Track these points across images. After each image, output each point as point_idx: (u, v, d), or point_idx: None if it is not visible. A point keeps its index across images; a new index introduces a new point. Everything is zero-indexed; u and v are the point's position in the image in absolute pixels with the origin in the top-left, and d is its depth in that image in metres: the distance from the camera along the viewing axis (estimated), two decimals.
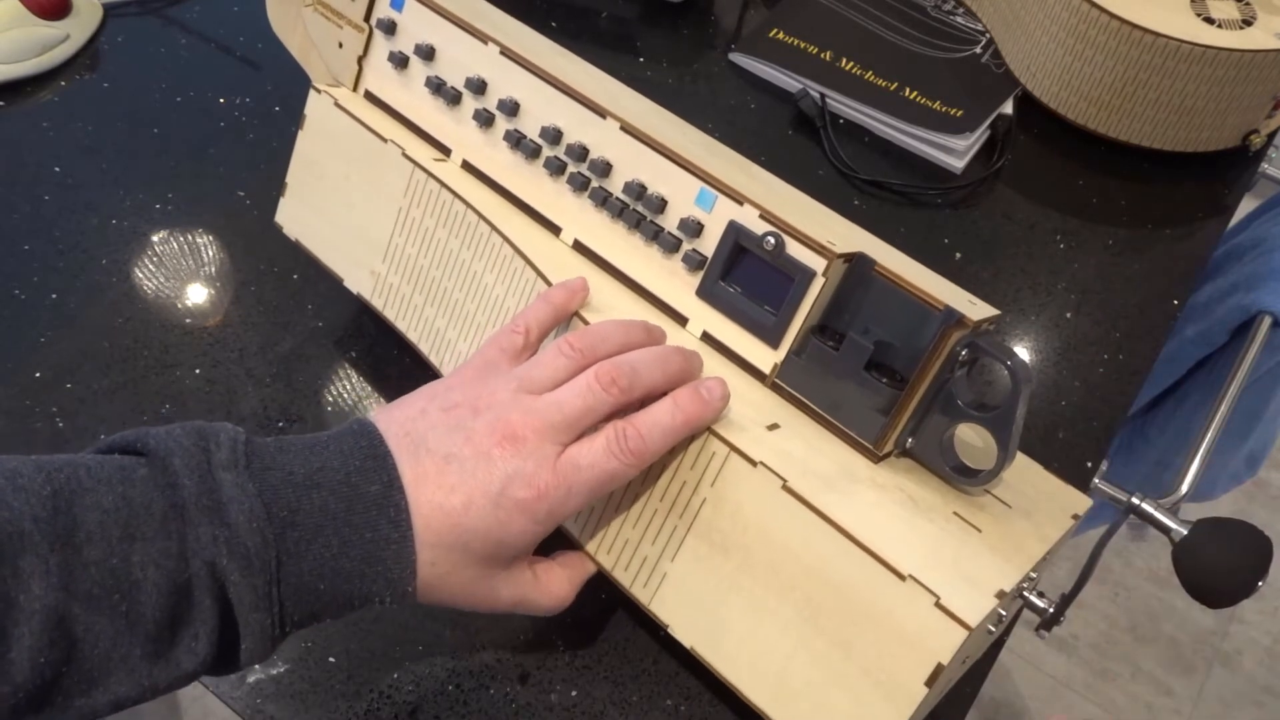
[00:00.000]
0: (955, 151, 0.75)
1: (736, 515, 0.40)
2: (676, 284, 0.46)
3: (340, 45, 0.54)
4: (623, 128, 0.46)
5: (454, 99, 0.51)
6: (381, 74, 0.53)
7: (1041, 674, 1.47)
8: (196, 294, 0.61)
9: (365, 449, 0.37)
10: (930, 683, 0.36)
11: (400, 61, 0.52)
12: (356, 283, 0.54)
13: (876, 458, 0.42)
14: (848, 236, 0.44)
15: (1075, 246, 0.72)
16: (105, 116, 0.70)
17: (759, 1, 0.88)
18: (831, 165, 0.74)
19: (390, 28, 0.52)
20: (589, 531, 0.44)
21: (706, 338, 0.45)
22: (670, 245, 0.45)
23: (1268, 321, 0.75)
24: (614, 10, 0.84)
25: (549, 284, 0.45)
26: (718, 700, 0.47)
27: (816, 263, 0.41)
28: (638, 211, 0.46)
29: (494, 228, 0.47)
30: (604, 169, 0.47)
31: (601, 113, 0.46)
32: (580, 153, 0.47)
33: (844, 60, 0.81)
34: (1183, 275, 0.71)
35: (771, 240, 0.42)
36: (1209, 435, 0.67)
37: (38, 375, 0.56)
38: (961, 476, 0.42)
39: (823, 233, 0.42)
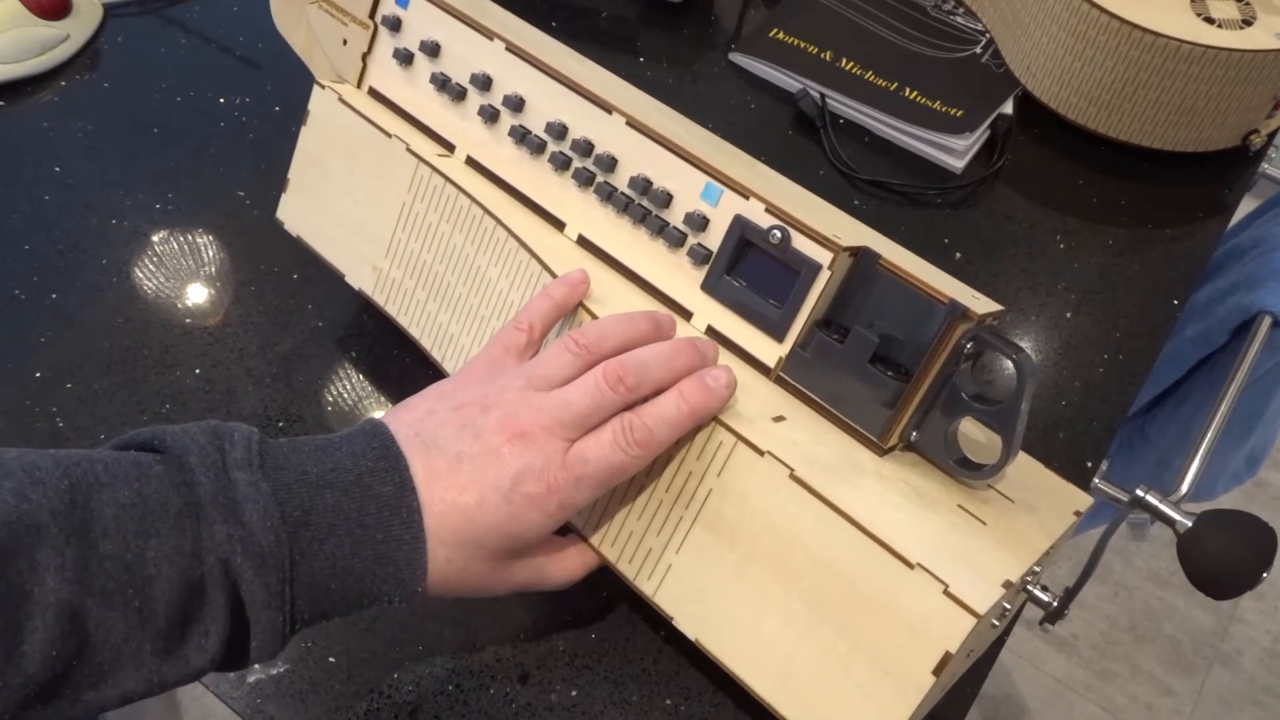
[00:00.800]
0: (955, 151, 0.75)
1: (743, 505, 0.40)
2: (681, 278, 0.46)
3: (345, 42, 0.54)
4: (629, 123, 0.46)
5: (459, 95, 0.51)
6: (386, 70, 0.53)
7: (1042, 673, 1.47)
8: (196, 294, 0.61)
9: (378, 449, 0.37)
10: (938, 671, 0.36)
11: (405, 58, 0.52)
12: (358, 279, 0.54)
13: (881, 451, 0.42)
14: (852, 231, 0.44)
15: (1075, 246, 0.72)
16: (105, 116, 0.70)
17: (759, 1, 0.88)
18: (831, 165, 0.74)
19: (395, 24, 0.52)
20: (592, 525, 0.44)
21: (711, 331, 0.45)
22: (675, 239, 0.45)
23: (1268, 321, 0.75)
24: (614, 10, 0.84)
25: (554, 276, 0.45)
26: (718, 699, 0.47)
27: (822, 256, 0.41)
28: (643, 206, 0.46)
29: (499, 222, 0.47)
30: (609, 164, 0.47)
31: (607, 108, 0.46)
32: (585, 148, 0.47)
33: (844, 60, 0.81)
34: (1183, 275, 0.71)
35: (777, 234, 0.42)
36: (1209, 435, 0.67)
37: (38, 375, 0.56)
38: (966, 470, 0.42)
39: (828, 227, 0.42)
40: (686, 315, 0.46)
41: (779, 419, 0.41)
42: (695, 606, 0.42)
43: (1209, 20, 0.72)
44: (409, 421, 0.39)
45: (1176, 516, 0.44)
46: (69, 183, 0.66)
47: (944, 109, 0.77)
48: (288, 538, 0.34)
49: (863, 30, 0.84)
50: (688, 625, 0.42)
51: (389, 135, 0.51)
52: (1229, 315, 0.78)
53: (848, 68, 0.80)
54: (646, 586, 0.43)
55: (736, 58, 0.81)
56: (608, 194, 0.47)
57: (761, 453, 0.39)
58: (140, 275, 0.61)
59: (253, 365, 0.57)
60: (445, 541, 0.37)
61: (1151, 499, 0.44)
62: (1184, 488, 0.64)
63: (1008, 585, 0.37)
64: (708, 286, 0.45)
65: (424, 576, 0.37)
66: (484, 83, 0.50)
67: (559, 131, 0.48)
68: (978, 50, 0.83)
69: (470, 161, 0.51)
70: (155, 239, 0.63)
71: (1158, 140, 0.76)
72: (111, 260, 0.62)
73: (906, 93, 0.79)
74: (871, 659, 0.37)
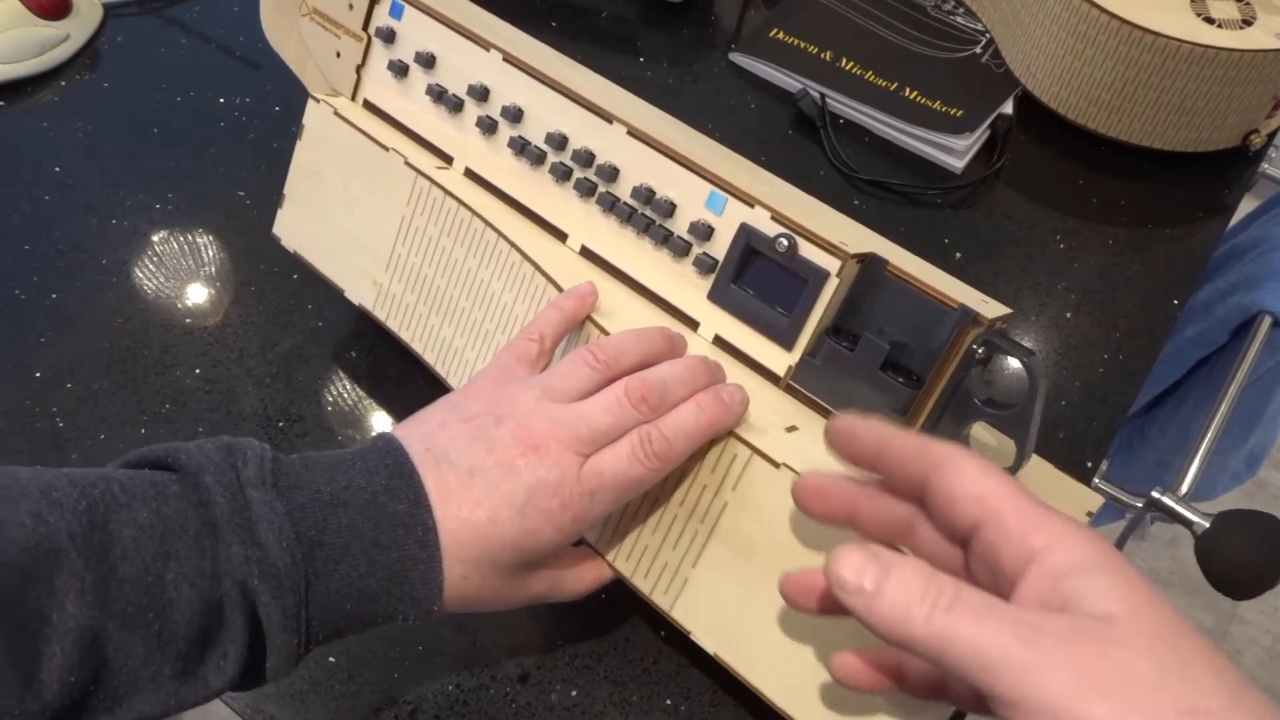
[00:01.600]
0: (955, 151, 0.75)
1: (760, 518, 0.39)
2: (687, 288, 0.46)
3: (338, 55, 0.54)
4: (629, 132, 0.46)
5: (456, 106, 0.50)
6: (381, 83, 0.53)
7: None
8: (196, 294, 0.61)
9: (391, 466, 0.37)
10: None
11: (400, 70, 0.51)
12: (358, 294, 0.53)
13: None
14: (858, 238, 0.44)
15: (1075, 246, 0.72)
16: (105, 116, 0.70)
17: (759, 1, 0.88)
18: (831, 165, 0.74)
19: (389, 36, 0.51)
20: (606, 539, 0.43)
21: (719, 341, 0.45)
22: (680, 249, 0.45)
23: (1268, 321, 0.75)
24: (614, 10, 0.84)
25: (559, 289, 0.44)
26: (718, 699, 0.47)
27: (830, 263, 0.41)
28: (646, 216, 0.46)
29: (500, 234, 0.47)
30: (611, 174, 0.46)
31: (608, 117, 0.46)
32: (586, 158, 0.47)
33: (844, 60, 0.81)
34: (1183, 275, 0.71)
35: (784, 242, 0.42)
36: (1209, 435, 0.67)
37: (38, 375, 0.56)
38: None
39: (834, 234, 0.42)
40: (693, 325, 0.45)
41: (792, 429, 0.41)
42: (713, 620, 0.41)
43: (1209, 20, 0.72)
44: (420, 435, 0.38)
45: (1194, 518, 0.44)
46: (69, 183, 0.66)
47: (944, 109, 0.77)
48: (303, 558, 0.34)
49: (863, 30, 0.84)
50: (706, 640, 0.41)
51: (386, 149, 0.50)
52: (1229, 315, 0.78)
53: (848, 68, 0.80)
54: (663, 601, 0.42)
55: (736, 58, 0.81)
56: (610, 204, 0.47)
57: (777, 464, 0.39)
58: (140, 275, 0.61)
59: (253, 365, 0.57)
60: (460, 559, 0.37)
61: (1168, 500, 0.43)
62: (1184, 488, 0.64)
63: None
64: (714, 296, 0.45)
65: (439, 595, 0.36)
66: (481, 93, 0.49)
67: (559, 142, 0.47)
68: (978, 50, 0.83)
69: (469, 173, 0.51)
70: (155, 239, 0.63)
71: (1158, 140, 0.76)
72: (111, 260, 0.62)
73: (906, 93, 0.79)
74: None
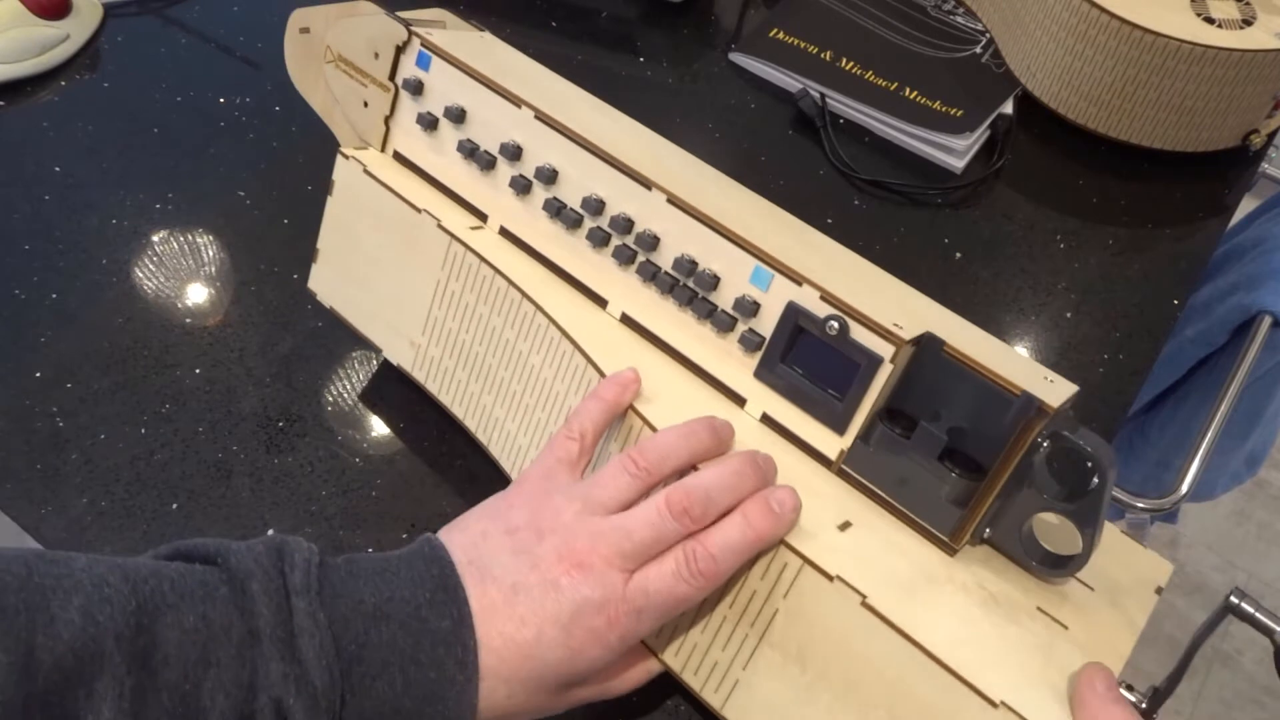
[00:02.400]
0: (955, 151, 0.75)
1: (812, 629, 0.38)
2: (732, 364, 0.44)
3: (365, 104, 0.52)
4: (669, 200, 0.44)
5: (488, 164, 0.48)
6: (410, 135, 0.51)
7: None
8: (196, 294, 0.61)
9: (436, 578, 0.36)
10: None
11: (429, 123, 0.50)
12: (396, 354, 0.52)
13: (952, 551, 0.40)
14: (912, 310, 0.42)
15: (1075, 246, 0.72)
16: (105, 116, 0.70)
17: (759, 1, 0.88)
18: (831, 165, 0.74)
19: (417, 88, 0.50)
20: (656, 632, 0.42)
21: (767, 420, 0.43)
22: (725, 324, 0.43)
23: (1268, 321, 0.75)
24: (614, 10, 0.84)
25: (599, 370, 0.43)
26: None
27: (884, 349, 0.39)
28: (689, 288, 0.44)
29: (538, 307, 0.45)
30: (651, 242, 0.45)
31: (647, 184, 0.44)
32: (625, 225, 0.45)
33: (844, 60, 0.81)
34: (1183, 275, 0.71)
35: (835, 325, 0.40)
36: (1209, 435, 0.67)
37: (38, 375, 0.56)
38: (1047, 569, 0.40)
39: (887, 311, 0.40)
40: (740, 402, 0.44)
41: (845, 525, 0.39)
42: None
43: (1209, 20, 0.72)
44: (463, 545, 0.38)
45: (1276, 626, 0.42)
46: (69, 183, 0.66)
47: (944, 109, 0.77)
48: (341, 675, 0.34)
49: (863, 30, 0.84)
50: None
51: (419, 210, 0.48)
52: (1229, 315, 0.78)
53: (848, 68, 0.80)
54: (714, 699, 0.41)
55: (736, 58, 0.81)
56: (651, 274, 0.45)
57: (831, 577, 0.37)
58: (140, 275, 0.61)
59: (253, 365, 0.57)
60: (504, 677, 0.36)
61: (1247, 607, 0.42)
62: (1184, 488, 0.64)
63: None
64: (761, 374, 0.43)
65: (473, 714, 0.36)
66: (514, 152, 0.47)
67: (596, 207, 0.46)
68: (978, 50, 0.83)
69: (504, 233, 0.49)
70: (155, 239, 0.63)
71: (1158, 140, 0.76)
72: (111, 260, 0.62)
73: (906, 93, 0.79)
74: None
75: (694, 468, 0.40)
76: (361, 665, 0.34)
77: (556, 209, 0.47)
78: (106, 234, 0.63)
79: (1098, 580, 0.41)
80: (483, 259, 0.47)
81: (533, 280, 0.47)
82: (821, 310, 0.41)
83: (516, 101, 0.47)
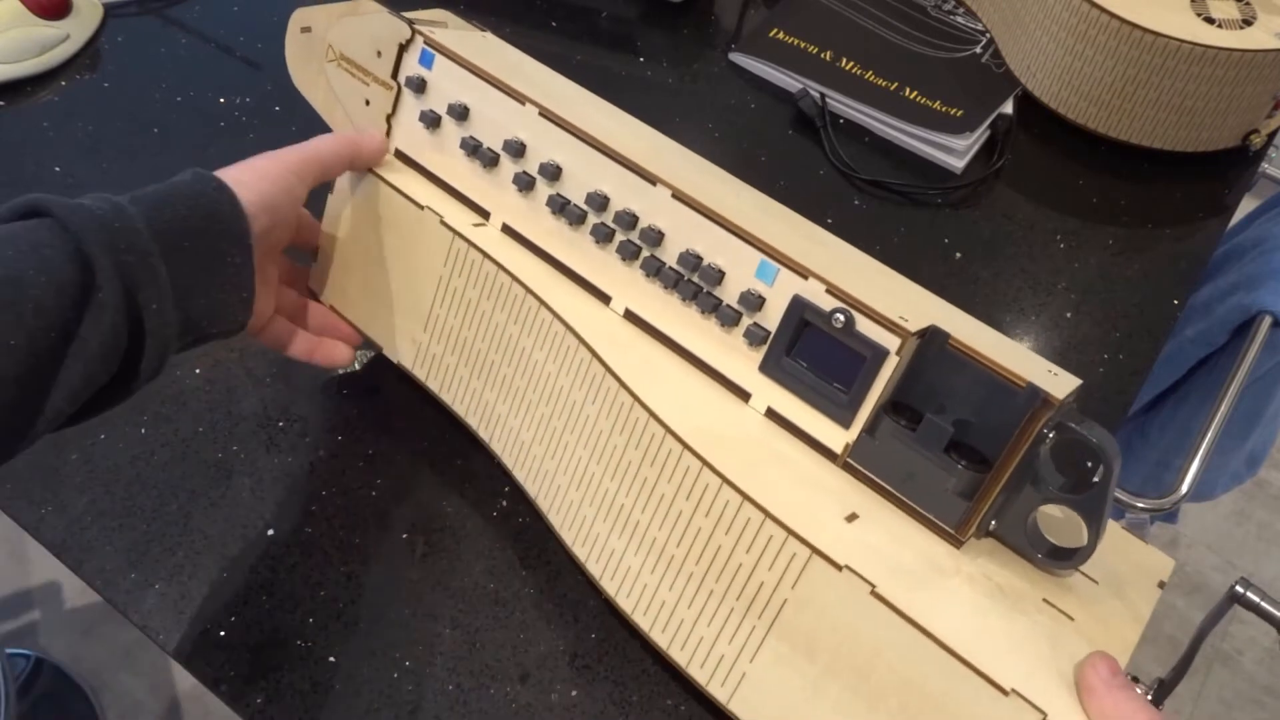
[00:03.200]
0: (955, 151, 0.75)
1: (821, 618, 0.38)
2: (737, 358, 0.44)
3: (367, 103, 0.52)
4: (674, 195, 0.44)
5: (491, 161, 0.48)
6: (412, 133, 0.51)
7: None
8: None
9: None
10: None
11: (432, 121, 0.50)
12: (396, 351, 0.52)
13: (959, 543, 0.40)
14: (917, 304, 0.42)
15: (1075, 246, 0.72)
16: (105, 116, 0.70)
17: (759, 1, 0.88)
18: (831, 165, 0.74)
19: (420, 86, 0.50)
20: (660, 624, 0.42)
21: (772, 414, 0.43)
22: (730, 319, 0.43)
23: (1268, 321, 0.75)
24: (614, 10, 0.84)
25: (604, 364, 0.43)
26: None
27: (889, 341, 0.39)
28: (693, 283, 0.44)
29: (542, 302, 0.45)
30: (655, 238, 0.44)
31: (651, 179, 0.44)
32: (629, 220, 0.45)
33: (844, 60, 0.81)
34: (1183, 275, 0.71)
35: (841, 318, 0.40)
36: (1209, 435, 0.67)
37: None
38: (1052, 561, 0.40)
39: (892, 305, 0.40)
40: (744, 396, 0.44)
41: (852, 517, 0.39)
42: (774, 717, 0.40)
43: (1209, 20, 0.72)
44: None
45: None
46: (69, 183, 0.66)
47: (944, 109, 0.77)
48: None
49: (863, 30, 0.84)
50: None
51: (421, 207, 0.49)
52: (1229, 315, 0.78)
53: (848, 68, 0.80)
54: (720, 693, 0.41)
55: (736, 58, 0.81)
56: (655, 269, 0.45)
57: (840, 567, 0.37)
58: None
59: (253, 365, 0.57)
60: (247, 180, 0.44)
61: (1253, 596, 0.42)
62: (1184, 488, 0.64)
63: None
64: (767, 368, 0.43)
65: (240, 209, 0.42)
66: (517, 149, 0.47)
67: (600, 203, 0.46)
68: (978, 50, 0.83)
69: (507, 229, 0.49)
70: None
71: (1158, 140, 0.76)
72: None
73: (906, 93, 0.79)
74: None
75: None
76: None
77: (560, 205, 0.47)
78: None
79: (1100, 573, 0.41)
80: (486, 255, 0.47)
81: (536, 276, 0.47)
82: (827, 303, 0.41)
83: (520, 99, 0.47)
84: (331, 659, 0.46)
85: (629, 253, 0.46)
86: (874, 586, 0.37)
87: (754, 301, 0.43)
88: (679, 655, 0.42)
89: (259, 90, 0.73)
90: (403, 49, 0.50)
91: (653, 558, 0.43)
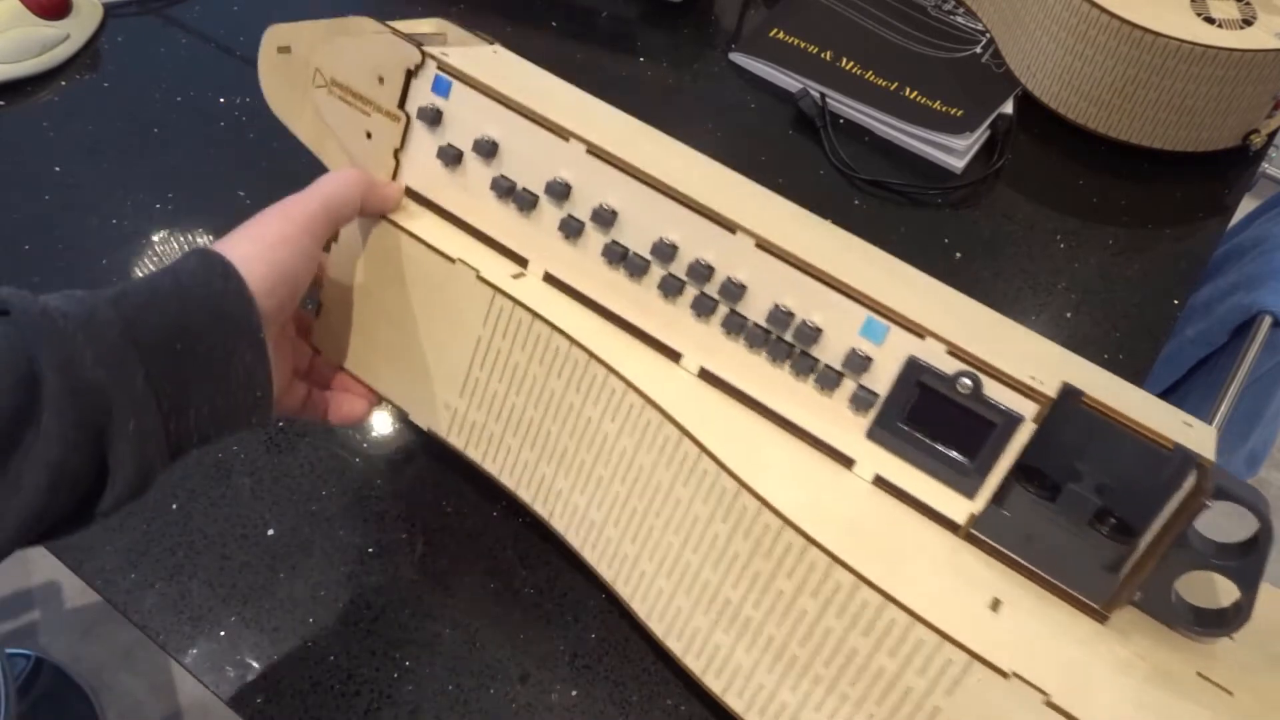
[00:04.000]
0: (955, 151, 0.75)
1: None
2: (840, 423, 0.40)
3: (369, 135, 0.45)
4: (758, 244, 0.39)
5: (529, 204, 0.42)
6: (428, 171, 0.44)
7: None
8: None
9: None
10: None
11: (452, 158, 0.43)
12: (425, 418, 0.46)
13: (1104, 618, 0.37)
14: (1035, 355, 0.39)
15: (1075, 246, 0.72)
16: (105, 116, 0.70)
17: (759, 1, 0.88)
18: (831, 165, 0.74)
19: (434, 117, 0.43)
20: None
21: (880, 482, 0.39)
22: (830, 381, 0.39)
23: (1268, 321, 0.75)
24: (614, 10, 0.84)
25: (693, 439, 0.39)
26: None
27: (1023, 406, 0.36)
28: (785, 341, 0.40)
29: (610, 369, 0.40)
30: (736, 292, 0.40)
31: (730, 226, 0.39)
32: (704, 273, 0.40)
33: (844, 60, 0.81)
34: (1183, 275, 0.71)
35: (967, 383, 0.37)
36: None
37: None
38: (1203, 630, 0.37)
39: (1016, 362, 0.37)
40: (847, 463, 0.40)
41: (995, 605, 0.36)
42: None
43: (1209, 20, 0.72)
44: None
45: None
46: (69, 183, 0.66)
47: (944, 109, 0.77)
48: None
49: (863, 30, 0.84)
50: None
51: (452, 260, 0.42)
52: (1229, 315, 0.78)
53: (848, 68, 0.80)
54: None
55: (736, 58, 0.81)
56: (738, 326, 0.40)
57: (1006, 675, 0.33)
58: (140, 275, 0.61)
59: None
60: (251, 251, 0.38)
61: None
62: None
63: None
64: (876, 434, 0.39)
65: (247, 291, 0.36)
66: (562, 191, 0.42)
67: (667, 253, 0.40)
68: (978, 50, 0.83)
69: (551, 279, 0.43)
70: (155, 239, 0.63)
71: (1158, 140, 0.76)
72: (111, 260, 0.62)
73: (906, 93, 0.79)
74: None
75: None
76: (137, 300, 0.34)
77: (618, 255, 0.41)
78: (106, 234, 0.63)
79: (1246, 636, 0.38)
80: (537, 315, 0.42)
81: (597, 338, 0.42)
82: (949, 366, 0.37)
83: (564, 134, 0.41)
84: (332, 659, 0.46)
85: (705, 308, 0.41)
86: (1048, 696, 0.33)
87: (859, 363, 0.38)
88: None
89: (259, 90, 0.73)
90: (411, 75, 0.43)
91: (769, 656, 0.39)
